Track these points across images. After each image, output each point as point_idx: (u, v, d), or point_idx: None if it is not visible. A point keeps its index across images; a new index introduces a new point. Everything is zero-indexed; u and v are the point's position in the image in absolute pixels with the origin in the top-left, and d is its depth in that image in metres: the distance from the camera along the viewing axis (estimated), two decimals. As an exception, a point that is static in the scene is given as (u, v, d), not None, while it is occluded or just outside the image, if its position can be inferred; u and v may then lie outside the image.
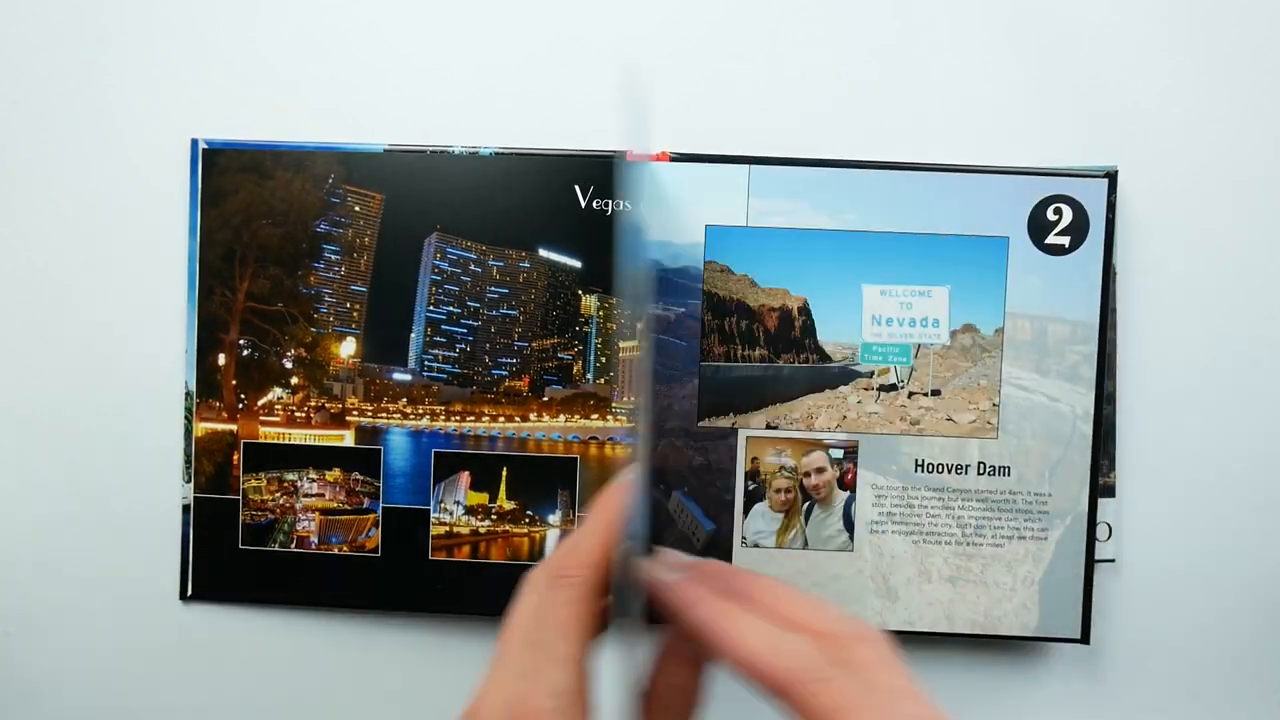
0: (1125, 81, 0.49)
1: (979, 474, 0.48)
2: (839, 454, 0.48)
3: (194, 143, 0.48)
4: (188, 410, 0.49)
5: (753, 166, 0.48)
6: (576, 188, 0.48)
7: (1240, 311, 0.49)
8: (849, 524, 0.48)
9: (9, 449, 0.50)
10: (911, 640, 0.50)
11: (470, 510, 0.49)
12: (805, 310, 0.48)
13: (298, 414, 0.49)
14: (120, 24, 0.49)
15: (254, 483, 0.50)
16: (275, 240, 0.48)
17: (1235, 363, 0.49)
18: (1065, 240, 0.48)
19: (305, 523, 0.49)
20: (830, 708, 0.27)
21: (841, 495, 0.48)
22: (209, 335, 0.49)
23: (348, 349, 0.49)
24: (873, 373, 0.49)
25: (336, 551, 0.49)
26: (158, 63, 0.49)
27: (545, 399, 0.49)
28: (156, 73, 0.49)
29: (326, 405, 0.49)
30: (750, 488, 0.48)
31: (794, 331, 0.49)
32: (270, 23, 0.49)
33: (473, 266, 0.49)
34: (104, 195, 0.49)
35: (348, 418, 0.49)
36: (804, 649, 0.29)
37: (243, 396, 0.49)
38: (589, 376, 0.49)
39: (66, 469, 0.49)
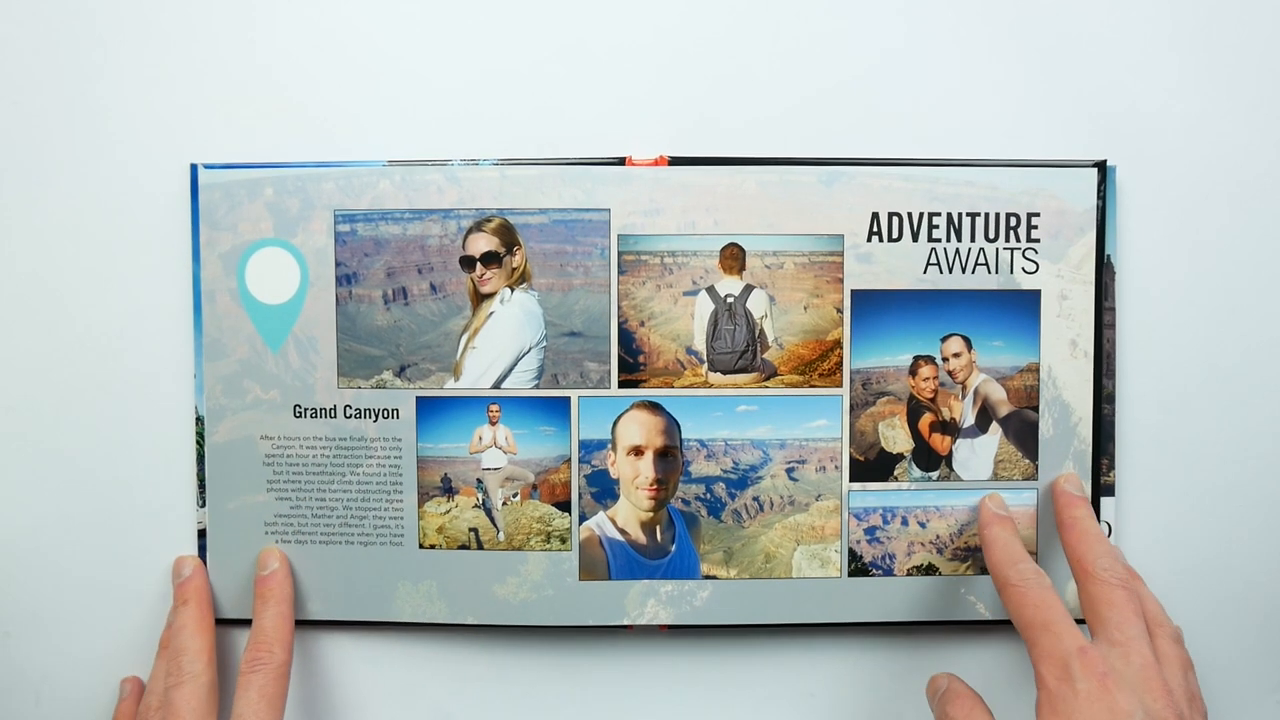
0: (1125, 78, 0.49)
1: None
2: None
3: (193, 167, 0.48)
4: (199, 435, 0.48)
5: (750, 167, 0.48)
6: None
7: (1241, 312, 0.49)
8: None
9: (14, 454, 0.49)
10: (906, 627, 0.50)
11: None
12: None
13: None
14: (118, 37, 0.48)
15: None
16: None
17: (1236, 362, 0.49)
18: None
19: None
20: None
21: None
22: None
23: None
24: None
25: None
26: (155, 84, 0.48)
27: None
28: (154, 95, 0.48)
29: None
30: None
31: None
32: (270, 39, 0.49)
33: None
34: (105, 217, 0.49)
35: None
36: None
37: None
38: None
39: (71, 475, 0.49)
